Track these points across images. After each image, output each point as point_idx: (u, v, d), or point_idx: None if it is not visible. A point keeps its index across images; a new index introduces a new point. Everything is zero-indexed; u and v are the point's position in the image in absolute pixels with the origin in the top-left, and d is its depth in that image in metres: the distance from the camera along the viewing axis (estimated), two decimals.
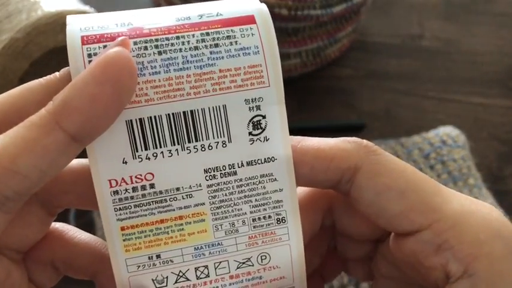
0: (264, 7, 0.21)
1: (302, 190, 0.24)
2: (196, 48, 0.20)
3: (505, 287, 0.19)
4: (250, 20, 0.20)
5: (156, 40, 0.19)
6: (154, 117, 0.19)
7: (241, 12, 0.20)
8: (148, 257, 0.20)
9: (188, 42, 0.20)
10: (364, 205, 0.21)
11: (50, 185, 0.21)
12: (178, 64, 0.19)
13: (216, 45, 0.20)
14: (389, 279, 0.24)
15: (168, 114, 0.19)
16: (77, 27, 0.20)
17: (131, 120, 0.19)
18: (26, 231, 0.21)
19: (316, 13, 0.49)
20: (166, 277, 0.21)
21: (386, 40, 0.61)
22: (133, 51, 0.19)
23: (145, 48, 0.19)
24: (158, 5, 0.54)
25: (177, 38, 0.20)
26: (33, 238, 0.22)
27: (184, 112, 0.19)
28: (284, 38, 0.52)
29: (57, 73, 0.20)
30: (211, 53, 0.20)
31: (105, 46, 0.19)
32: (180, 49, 0.19)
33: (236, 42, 0.20)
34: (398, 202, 0.20)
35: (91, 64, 0.18)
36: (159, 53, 0.19)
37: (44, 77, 0.19)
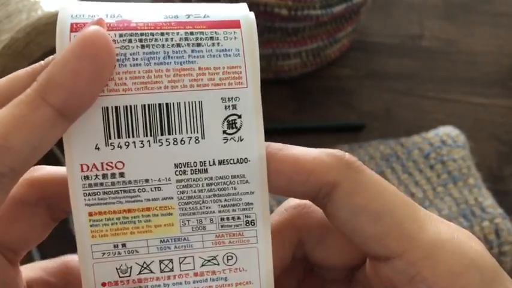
0: (251, 14, 0.21)
1: None
2: (178, 45, 0.20)
3: None
4: (235, 24, 0.21)
5: (141, 34, 0.20)
6: (130, 106, 0.20)
7: (227, 16, 0.21)
8: (114, 245, 0.20)
9: (172, 39, 0.20)
10: (339, 223, 0.21)
11: (59, 188, 0.21)
12: (159, 58, 0.20)
13: (198, 45, 0.20)
14: None
15: (144, 105, 0.20)
16: (68, 13, 0.20)
17: (107, 108, 0.19)
18: (28, 233, 0.21)
19: (316, 13, 0.49)
20: (131, 267, 0.21)
21: (386, 40, 0.61)
22: (118, 42, 0.20)
23: (130, 41, 0.20)
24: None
25: (162, 34, 0.20)
26: (32, 241, 0.22)
27: (159, 104, 0.20)
28: (284, 38, 0.52)
29: (42, 61, 0.20)
30: (192, 51, 0.20)
31: None
32: (163, 45, 0.20)
33: (218, 43, 0.20)
34: (373, 225, 0.20)
35: (71, 42, 0.18)
36: (142, 46, 0.20)
37: (31, 66, 0.20)
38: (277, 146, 0.21)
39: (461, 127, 0.49)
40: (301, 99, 0.55)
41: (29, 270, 0.22)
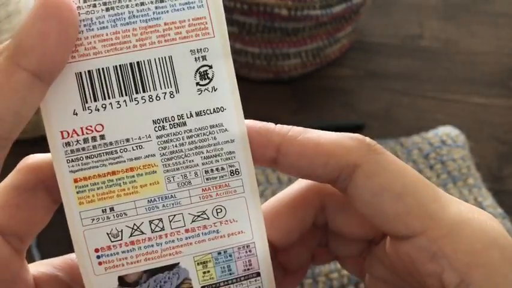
0: None
1: (293, 188, 0.24)
2: (142, 3, 0.20)
3: None
4: None
5: None
6: (102, 69, 0.20)
7: None
8: (102, 210, 0.21)
9: None
10: (360, 204, 0.21)
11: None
12: (124, 19, 0.20)
13: (161, 1, 0.21)
14: (382, 281, 0.23)
15: (115, 66, 0.20)
16: None
17: (80, 73, 0.20)
18: (32, 217, 0.21)
19: (316, 13, 0.49)
20: (121, 230, 0.21)
21: (385, 40, 0.61)
22: (83, 8, 0.20)
23: (94, 5, 0.20)
24: None
25: None
26: (36, 226, 0.22)
27: (131, 63, 0.20)
28: (284, 38, 0.52)
29: None
30: (156, 8, 0.20)
31: None
32: (127, 5, 0.20)
33: None
34: (395, 205, 0.20)
35: (33, 6, 0.19)
36: (107, 9, 0.20)
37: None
38: (298, 130, 0.21)
39: (461, 127, 0.49)
40: (301, 99, 0.55)
41: (37, 265, 0.23)
